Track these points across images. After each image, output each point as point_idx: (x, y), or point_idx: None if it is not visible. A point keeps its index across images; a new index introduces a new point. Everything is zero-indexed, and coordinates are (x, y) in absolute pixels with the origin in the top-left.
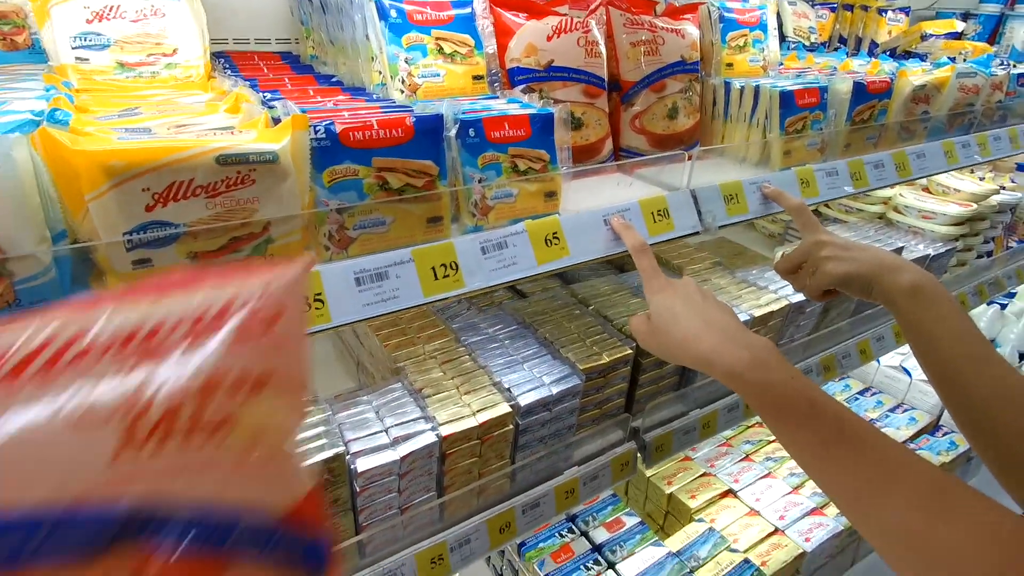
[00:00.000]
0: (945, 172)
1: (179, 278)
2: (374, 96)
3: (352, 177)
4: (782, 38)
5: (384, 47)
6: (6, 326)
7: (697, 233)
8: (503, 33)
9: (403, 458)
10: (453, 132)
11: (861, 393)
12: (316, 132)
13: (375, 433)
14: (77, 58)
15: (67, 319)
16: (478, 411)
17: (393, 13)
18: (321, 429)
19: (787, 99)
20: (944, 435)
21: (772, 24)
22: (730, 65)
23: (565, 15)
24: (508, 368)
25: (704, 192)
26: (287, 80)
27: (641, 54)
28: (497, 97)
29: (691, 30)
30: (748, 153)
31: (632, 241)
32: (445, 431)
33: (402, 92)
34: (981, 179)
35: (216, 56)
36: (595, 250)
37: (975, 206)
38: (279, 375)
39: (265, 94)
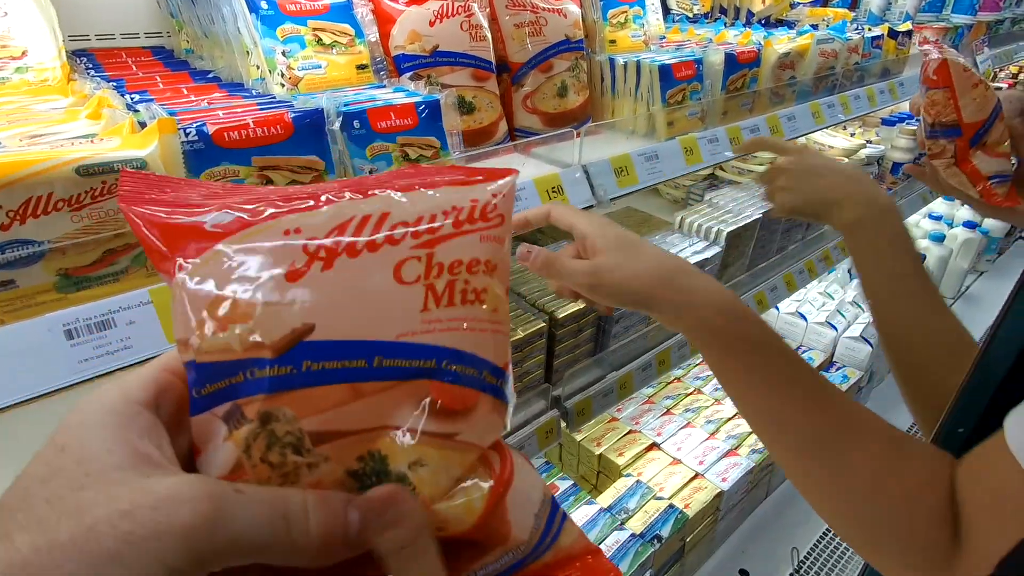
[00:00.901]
0: (815, 132)
1: (416, 174)
2: (253, 92)
3: (232, 178)
4: (667, 11)
5: (259, 40)
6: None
7: (592, 206)
8: (384, 20)
9: None
10: (337, 125)
11: None
12: (187, 135)
13: None
14: None
15: (355, 207)
16: None
17: (264, 5)
18: None
19: (666, 72)
20: (838, 370)
21: (650, 0)
22: (613, 42)
23: (446, 0)
24: None
25: (595, 167)
26: (159, 79)
27: (526, 35)
28: (384, 86)
29: (573, 9)
30: (636, 126)
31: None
32: None
33: (283, 86)
34: (852, 135)
35: (78, 55)
36: None
37: (847, 160)
38: (501, 266)
39: (133, 96)
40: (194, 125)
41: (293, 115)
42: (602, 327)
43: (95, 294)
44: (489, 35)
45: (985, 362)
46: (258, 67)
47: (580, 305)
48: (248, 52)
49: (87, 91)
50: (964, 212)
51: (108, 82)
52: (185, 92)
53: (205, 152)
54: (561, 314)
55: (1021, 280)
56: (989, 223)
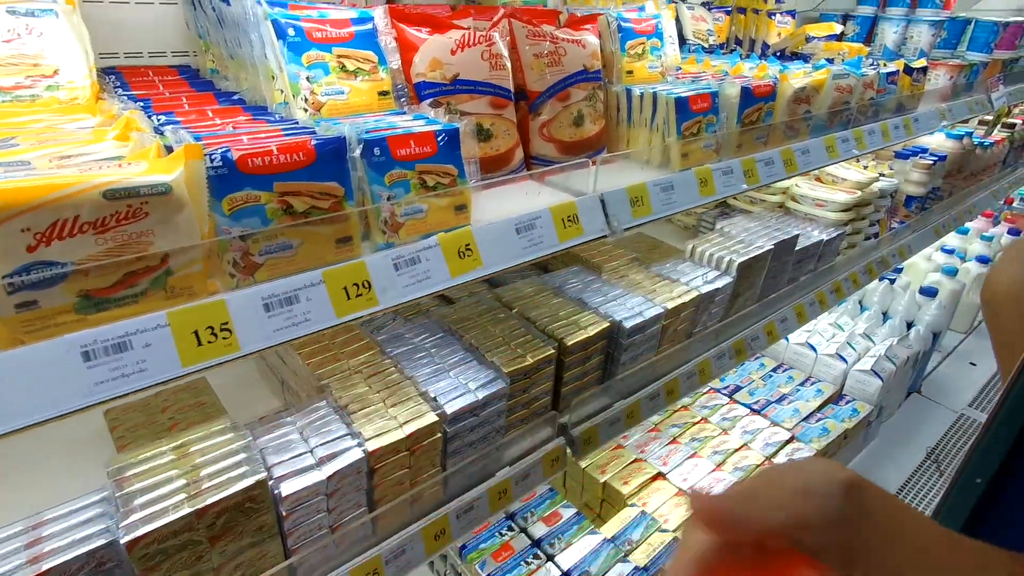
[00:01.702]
0: (828, 166)
1: None
2: (277, 116)
3: (254, 203)
4: (683, 41)
5: (284, 66)
6: None
7: (605, 235)
8: (407, 48)
9: (329, 477)
10: (358, 152)
11: (774, 370)
12: (212, 160)
13: (300, 455)
14: None
15: None
16: (405, 423)
17: (291, 32)
18: (242, 456)
19: (682, 105)
20: (847, 403)
21: (668, 32)
22: (630, 72)
23: (468, 29)
24: (435, 377)
25: (611, 196)
26: (184, 100)
27: (544, 65)
28: (404, 113)
29: (591, 40)
30: (650, 156)
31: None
32: (372, 446)
33: (306, 111)
34: (865, 167)
35: (106, 72)
36: (508, 258)
37: (860, 193)
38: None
39: (159, 116)
40: (219, 151)
41: (316, 142)
42: (611, 354)
43: (114, 315)
44: (509, 64)
45: (1003, 415)
46: (282, 91)
47: (589, 332)
48: (273, 77)
49: (115, 111)
50: (977, 246)
51: (135, 102)
52: (210, 115)
53: (228, 177)
54: (570, 341)
55: None
56: None
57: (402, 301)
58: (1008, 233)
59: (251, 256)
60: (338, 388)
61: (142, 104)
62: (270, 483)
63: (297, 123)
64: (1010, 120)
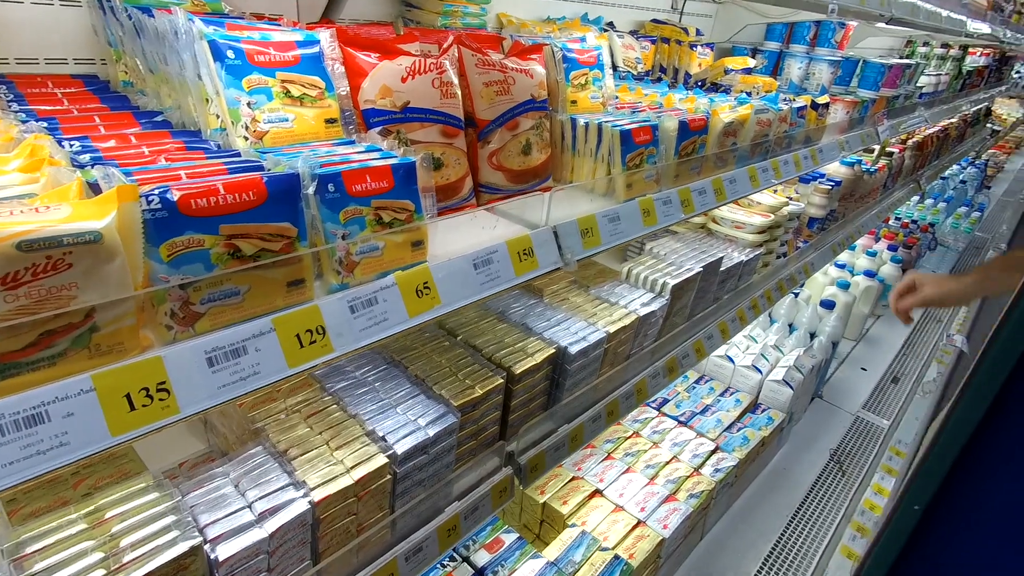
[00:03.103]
0: (752, 194)
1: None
2: (213, 144)
3: (197, 248)
4: (614, 67)
5: (222, 90)
6: None
7: (558, 268)
8: (355, 73)
9: (272, 534)
10: (311, 189)
11: (697, 382)
12: (150, 202)
13: (236, 511)
14: None
15: None
16: (353, 467)
17: (230, 54)
18: (170, 519)
19: (626, 137)
20: (763, 412)
21: (607, 62)
22: (574, 102)
23: (417, 55)
24: (381, 414)
25: (564, 228)
26: (98, 120)
27: (494, 93)
28: (353, 142)
29: (539, 70)
30: (596, 186)
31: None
32: (318, 495)
33: (246, 139)
34: (775, 192)
35: None
36: (467, 295)
37: (773, 216)
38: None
39: (72, 142)
40: (156, 191)
41: (267, 180)
42: (556, 380)
43: (26, 382)
44: (459, 92)
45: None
46: (219, 117)
47: (536, 359)
48: (208, 100)
49: (12, 133)
50: (863, 261)
51: (36, 120)
52: (134, 141)
53: (168, 221)
54: (519, 369)
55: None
56: (885, 271)
57: (359, 346)
58: (888, 248)
59: (191, 305)
60: (275, 431)
61: (47, 123)
62: (205, 547)
63: (238, 154)
64: (889, 149)
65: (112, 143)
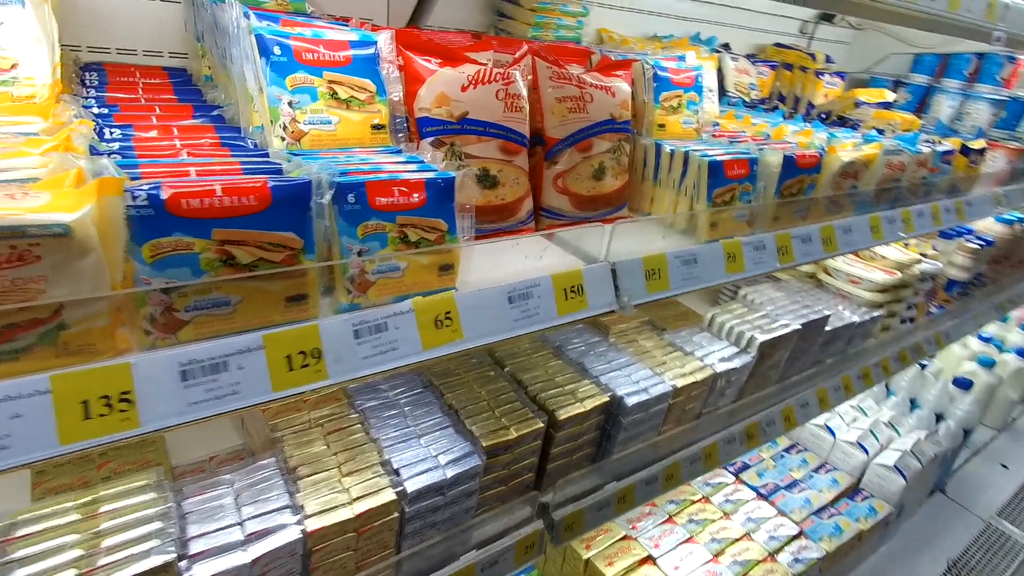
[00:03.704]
0: (872, 247)
1: None
2: (250, 142)
3: (185, 251)
4: (723, 92)
5: (265, 87)
6: None
7: (611, 311)
8: (413, 79)
9: (255, 561)
10: (327, 198)
11: (787, 450)
12: (135, 199)
13: (227, 527)
14: None
15: None
16: (356, 499)
17: (277, 50)
18: (154, 527)
19: (716, 169)
20: (864, 500)
21: (708, 85)
22: (662, 126)
23: (484, 64)
24: (402, 442)
25: (624, 266)
26: (158, 109)
27: (567, 110)
28: (399, 151)
29: (623, 87)
30: (675, 221)
31: None
32: (313, 524)
33: (283, 140)
34: (906, 245)
35: (89, 68)
36: (495, 331)
37: (900, 274)
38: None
39: (114, 130)
40: (145, 188)
41: (273, 185)
42: (607, 432)
43: None
44: (527, 106)
45: None
46: (260, 114)
47: (586, 406)
48: (251, 97)
49: (65, 118)
50: (1017, 336)
51: (103, 107)
52: (175, 133)
53: (155, 220)
54: (563, 415)
55: None
56: None
57: (357, 375)
58: None
59: (174, 312)
60: (292, 444)
61: (107, 110)
62: (182, 563)
63: (267, 155)
64: None
65: (153, 133)
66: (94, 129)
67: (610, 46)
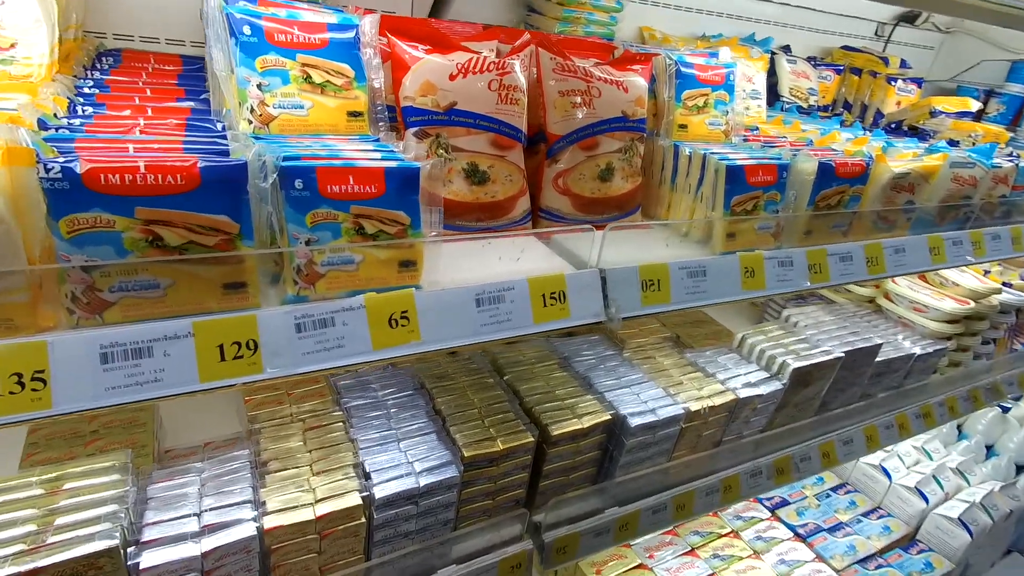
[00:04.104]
0: (928, 271)
1: None
2: (218, 124)
3: (105, 229)
4: (777, 96)
5: (234, 68)
6: None
7: (600, 322)
8: (398, 66)
9: (206, 554)
10: (269, 182)
11: (835, 489)
12: (48, 171)
13: (182, 517)
14: None
15: None
16: (320, 500)
17: (246, 30)
18: (108, 509)
19: (735, 174)
20: (920, 553)
21: (746, 86)
22: (684, 127)
23: (477, 53)
24: (379, 445)
25: (616, 274)
26: (148, 92)
27: (570, 105)
28: (377, 140)
29: (638, 83)
30: (687, 228)
31: None
32: (270, 522)
33: (250, 123)
34: (986, 273)
35: (107, 54)
36: (458, 335)
37: (973, 304)
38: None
39: (88, 108)
40: (60, 161)
41: (204, 166)
42: (609, 452)
43: None
44: (524, 99)
45: None
46: (229, 97)
47: (584, 423)
48: (221, 80)
49: (45, 93)
50: None
51: (95, 88)
52: (149, 113)
53: (70, 194)
54: (556, 431)
55: None
56: None
57: (296, 372)
58: None
59: (97, 292)
60: (268, 437)
61: (96, 91)
62: (131, 549)
63: (224, 137)
64: None
65: (126, 113)
66: (68, 107)
67: (651, 45)
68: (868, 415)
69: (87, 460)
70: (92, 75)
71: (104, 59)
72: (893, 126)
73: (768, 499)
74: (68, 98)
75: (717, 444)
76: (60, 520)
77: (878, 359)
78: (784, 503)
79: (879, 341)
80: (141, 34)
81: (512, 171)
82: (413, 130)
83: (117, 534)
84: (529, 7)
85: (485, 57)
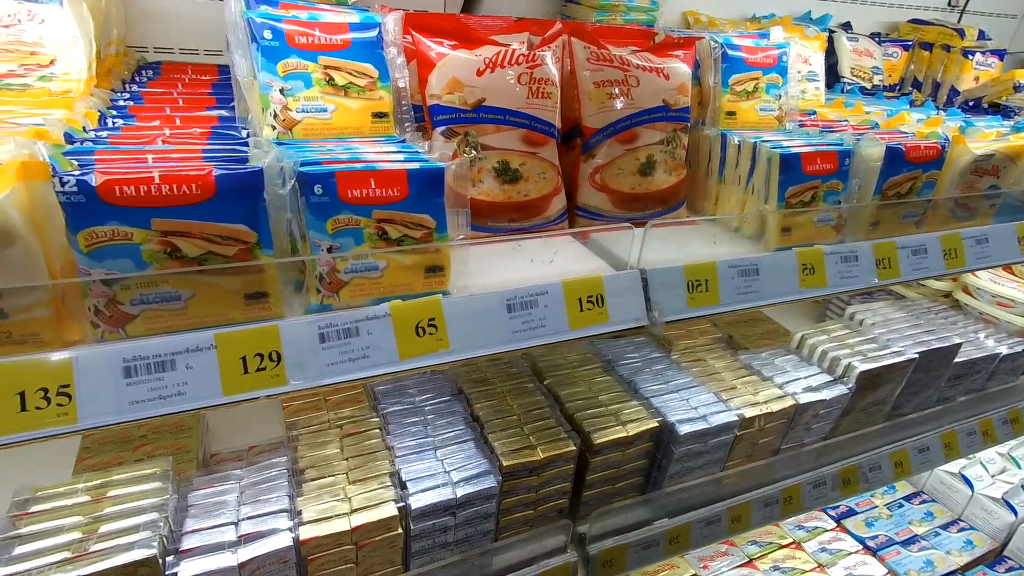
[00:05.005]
0: (1017, 263)
1: None
2: (243, 132)
3: (123, 242)
4: (837, 77)
5: (256, 73)
6: None
7: (642, 327)
8: (424, 64)
9: (243, 564)
10: (287, 188)
11: (908, 498)
12: (64, 185)
13: (221, 525)
14: None
15: None
16: (356, 510)
17: (267, 34)
18: (148, 518)
19: (790, 163)
20: (1008, 571)
21: (802, 67)
22: (732, 114)
23: (505, 47)
24: (416, 453)
25: (658, 274)
26: (180, 102)
27: (606, 96)
28: (404, 141)
29: (680, 69)
30: (740, 224)
31: None
32: (306, 533)
33: (274, 128)
34: None
35: (147, 66)
36: (489, 343)
37: None
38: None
39: (118, 120)
40: (75, 174)
41: (219, 174)
42: (657, 461)
43: None
44: (557, 92)
45: None
46: (252, 103)
47: (629, 431)
48: (244, 86)
49: (80, 108)
50: None
51: (129, 100)
52: (177, 123)
53: (87, 207)
54: (599, 439)
55: None
56: None
57: (321, 384)
58: None
59: (119, 305)
60: (305, 444)
61: (130, 103)
62: (170, 558)
63: (246, 144)
64: None
65: (155, 123)
66: (98, 119)
67: (697, 30)
68: (946, 421)
69: (132, 467)
70: (130, 88)
71: (144, 72)
72: (971, 104)
73: (833, 508)
74: (100, 111)
75: (775, 452)
76: (103, 528)
77: (957, 360)
78: (851, 512)
79: (958, 340)
80: (180, 46)
81: (545, 168)
82: (440, 129)
83: (155, 543)
84: None
85: (514, 50)
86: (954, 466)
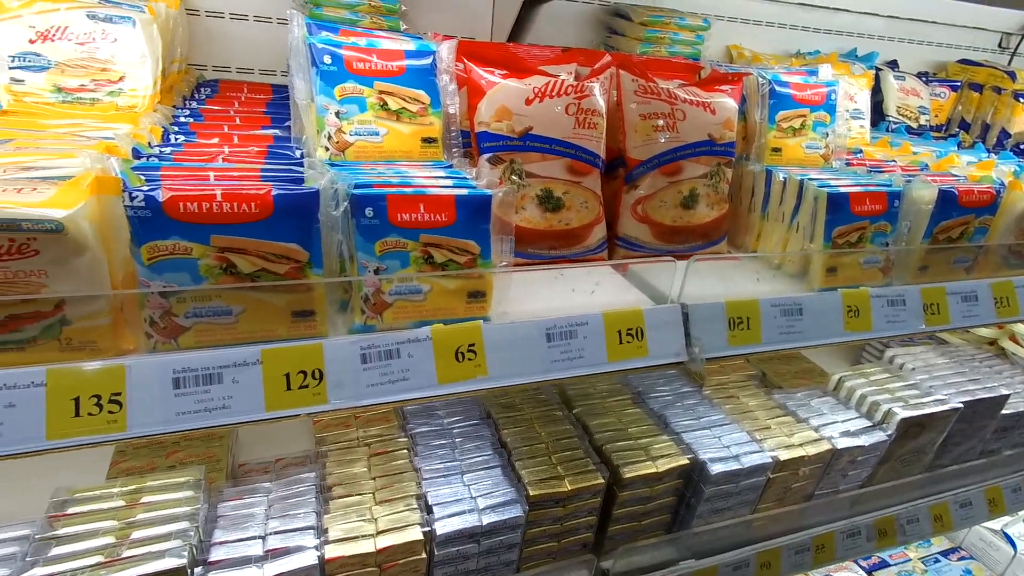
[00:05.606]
0: None
1: None
2: (298, 152)
3: (183, 256)
4: (882, 116)
5: (314, 96)
6: None
7: (680, 362)
8: (474, 92)
9: None
10: (340, 210)
11: (945, 554)
12: (133, 199)
13: (249, 539)
14: (12, 79)
15: None
16: (382, 532)
17: (327, 59)
18: (179, 526)
19: (838, 203)
20: None
21: (849, 105)
22: (778, 150)
23: (555, 77)
24: (443, 477)
25: (700, 310)
26: (237, 120)
27: (652, 128)
28: (450, 166)
29: (726, 104)
30: (784, 262)
31: None
32: (331, 552)
33: (327, 150)
34: None
35: (205, 84)
36: (527, 372)
37: None
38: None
39: (180, 136)
40: (144, 189)
41: (276, 194)
42: (686, 499)
43: None
44: (603, 123)
45: None
46: (308, 125)
47: (659, 467)
48: (303, 109)
49: (144, 123)
50: None
51: (189, 116)
52: (235, 140)
53: (152, 221)
54: (629, 473)
55: None
56: None
57: (360, 404)
58: None
59: (173, 317)
60: (334, 461)
61: (191, 119)
62: (198, 569)
63: (301, 164)
64: None
65: (214, 140)
66: (162, 135)
67: (739, 64)
68: (990, 475)
69: (165, 474)
70: (190, 105)
71: (203, 89)
72: (1022, 148)
73: (864, 558)
74: (163, 127)
75: (808, 498)
76: (136, 534)
77: (1004, 411)
78: (883, 564)
79: (1005, 392)
80: (237, 66)
81: (588, 197)
82: (487, 156)
83: (185, 553)
84: (610, 28)
85: (563, 80)
86: (996, 523)
